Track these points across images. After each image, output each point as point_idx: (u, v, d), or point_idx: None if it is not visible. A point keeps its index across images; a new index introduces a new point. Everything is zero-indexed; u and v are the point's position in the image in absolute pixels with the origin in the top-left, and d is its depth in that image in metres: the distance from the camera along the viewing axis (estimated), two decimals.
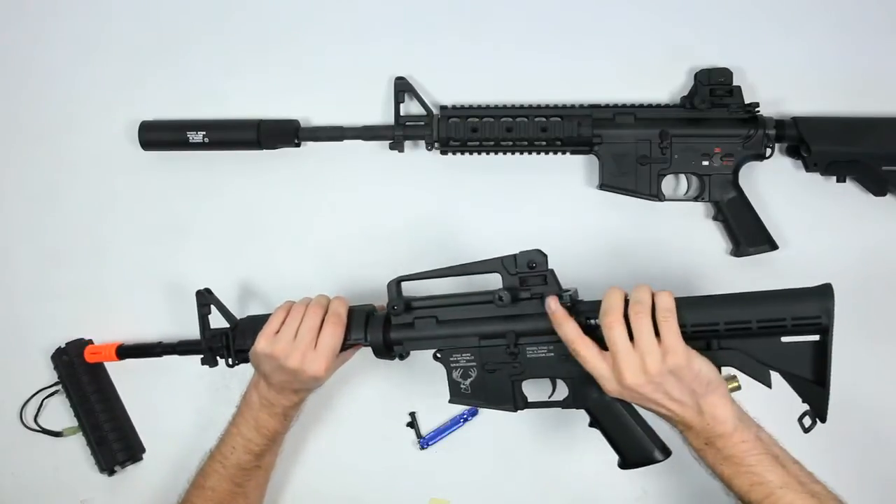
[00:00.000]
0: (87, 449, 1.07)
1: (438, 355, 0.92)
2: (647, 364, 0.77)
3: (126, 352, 1.04)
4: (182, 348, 1.01)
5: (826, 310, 0.79)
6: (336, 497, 1.06)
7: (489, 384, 0.90)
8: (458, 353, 0.91)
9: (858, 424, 1.01)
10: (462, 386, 0.91)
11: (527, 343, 0.89)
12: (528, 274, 0.88)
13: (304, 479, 1.06)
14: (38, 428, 1.09)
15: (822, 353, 0.80)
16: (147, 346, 1.03)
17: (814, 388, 0.81)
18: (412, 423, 1.06)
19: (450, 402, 0.92)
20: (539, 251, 0.88)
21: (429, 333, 0.91)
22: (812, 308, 0.80)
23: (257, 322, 0.95)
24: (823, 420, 0.82)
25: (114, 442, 1.06)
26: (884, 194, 0.99)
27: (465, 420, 1.05)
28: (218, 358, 0.97)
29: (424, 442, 1.05)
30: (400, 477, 1.06)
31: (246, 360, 0.97)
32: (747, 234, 0.99)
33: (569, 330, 0.83)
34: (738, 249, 1.00)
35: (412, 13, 1.05)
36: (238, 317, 0.98)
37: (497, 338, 0.90)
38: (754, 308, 0.81)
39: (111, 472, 1.07)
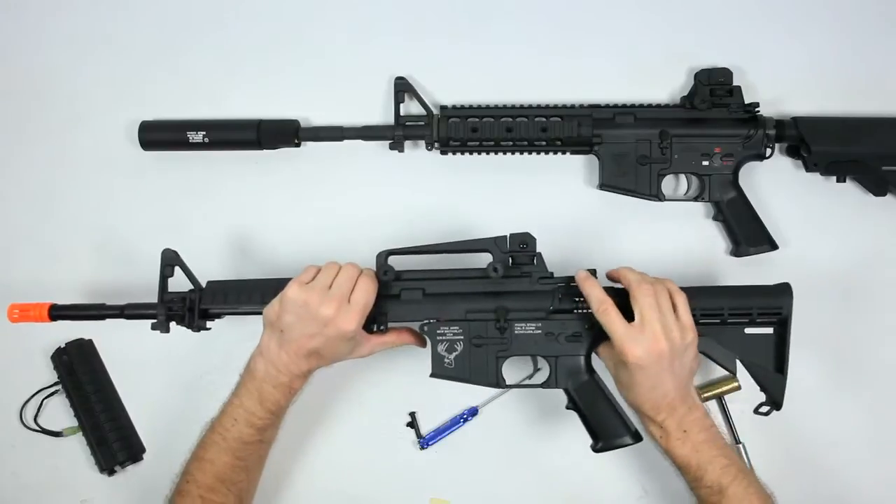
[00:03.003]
0: (87, 449, 1.07)
1: (425, 328, 0.92)
2: (674, 334, 0.83)
3: (60, 312, 0.95)
4: (130, 311, 0.94)
5: (787, 304, 0.89)
6: (336, 497, 1.06)
7: (473, 360, 0.91)
8: (445, 326, 0.92)
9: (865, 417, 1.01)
10: (446, 360, 0.92)
11: (515, 319, 0.91)
12: (519, 253, 0.90)
13: (303, 478, 1.06)
14: (38, 428, 1.09)
15: (781, 343, 0.90)
16: (85, 307, 0.96)
17: (774, 375, 0.90)
18: (412, 423, 1.06)
19: (430, 376, 0.92)
20: (529, 234, 0.90)
21: (415, 305, 0.92)
22: (775, 302, 0.90)
23: (227, 286, 0.94)
24: (779, 407, 0.90)
25: (114, 442, 1.06)
26: (884, 194, 0.99)
27: (465, 420, 1.05)
28: (171, 324, 0.92)
29: (424, 442, 1.05)
30: (400, 477, 1.06)
31: (208, 324, 0.94)
32: (747, 234, 0.99)
33: (598, 292, 0.86)
34: (738, 249, 1.00)
35: (412, 13, 1.05)
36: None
37: (484, 313, 0.91)
38: (726, 299, 0.90)
39: (111, 472, 1.07)
